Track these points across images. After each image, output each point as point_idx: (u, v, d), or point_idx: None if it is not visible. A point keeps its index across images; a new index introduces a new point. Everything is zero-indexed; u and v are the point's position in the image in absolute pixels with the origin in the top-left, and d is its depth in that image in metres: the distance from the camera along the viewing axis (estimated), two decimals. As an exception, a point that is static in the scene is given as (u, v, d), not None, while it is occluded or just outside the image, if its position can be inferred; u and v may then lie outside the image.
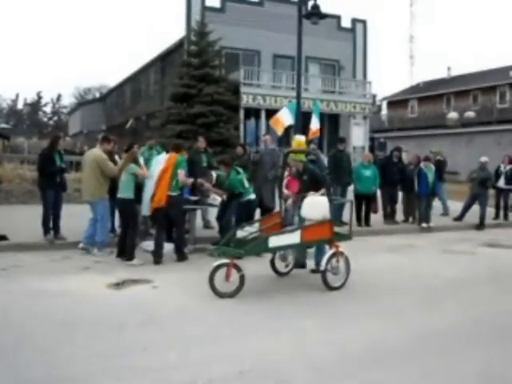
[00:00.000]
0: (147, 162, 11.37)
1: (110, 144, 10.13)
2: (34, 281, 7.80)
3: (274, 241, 7.31)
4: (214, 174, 10.44)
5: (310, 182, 8.85)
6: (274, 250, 7.90)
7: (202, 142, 12.40)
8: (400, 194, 15.04)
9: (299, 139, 9.95)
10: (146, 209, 9.57)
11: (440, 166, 16.06)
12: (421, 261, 10.39)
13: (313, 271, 8.60)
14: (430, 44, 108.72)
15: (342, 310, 6.89)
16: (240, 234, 7.82)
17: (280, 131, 14.51)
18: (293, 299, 7.27)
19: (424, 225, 14.12)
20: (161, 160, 9.63)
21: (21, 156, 25.68)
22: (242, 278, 7.23)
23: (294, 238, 7.46)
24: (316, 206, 8.04)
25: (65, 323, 6.02)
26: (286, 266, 8.58)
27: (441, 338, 5.94)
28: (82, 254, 9.72)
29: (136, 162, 9.44)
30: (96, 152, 9.93)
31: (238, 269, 7.22)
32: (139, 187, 9.50)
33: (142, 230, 10.64)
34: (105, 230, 9.91)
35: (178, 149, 9.93)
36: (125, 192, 9.25)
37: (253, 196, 10.22)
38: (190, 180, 9.97)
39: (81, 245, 9.92)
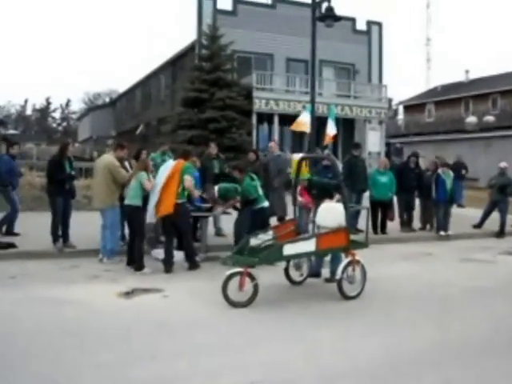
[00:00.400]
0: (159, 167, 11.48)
1: (123, 151, 10.16)
2: (43, 289, 7.86)
3: (289, 249, 7.32)
4: (215, 187, 10.45)
5: (321, 193, 8.89)
6: (288, 259, 7.90)
7: (213, 148, 12.45)
8: (417, 201, 14.98)
9: (298, 158, 9.99)
10: (150, 216, 9.59)
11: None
12: (438, 270, 10.33)
13: (327, 280, 8.59)
14: (446, 46, 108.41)
15: (357, 320, 6.87)
16: (253, 241, 7.83)
17: (308, 129, 14.58)
18: (307, 309, 7.27)
19: (442, 233, 14.05)
20: (168, 166, 9.66)
21: (29, 162, 25.87)
22: (255, 287, 7.23)
23: (309, 245, 7.47)
24: (331, 213, 8.04)
25: (73, 332, 6.06)
26: (301, 274, 8.57)
27: (459, 348, 5.90)
28: (91, 262, 9.76)
29: (146, 170, 9.49)
30: (108, 158, 9.97)
31: (252, 277, 7.23)
32: (146, 194, 9.55)
33: (152, 238, 10.68)
34: (114, 238, 9.96)
35: (186, 156, 9.97)
36: (133, 199, 9.30)
37: (266, 203, 10.22)
38: (197, 192, 9.98)
39: (104, 259, 9.86)
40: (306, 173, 9.52)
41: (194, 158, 10.94)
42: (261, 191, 10.17)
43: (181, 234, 9.78)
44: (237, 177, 10.28)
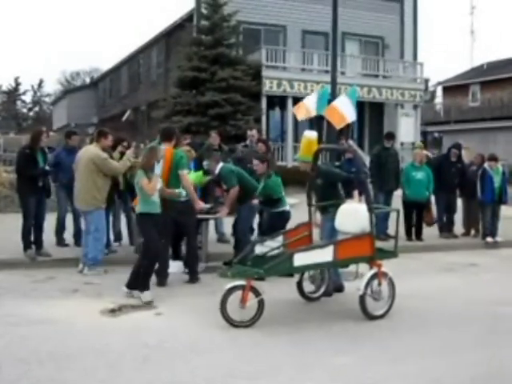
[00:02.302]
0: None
1: (107, 139, 10.17)
2: (11, 306, 7.91)
3: (301, 258, 7.31)
4: (219, 164, 10.29)
5: (328, 186, 8.78)
6: (300, 270, 7.92)
7: (215, 138, 12.49)
8: (459, 202, 14.98)
9: (310, 136, 9.45)
10: None
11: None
12: (485, 284, 10.32)
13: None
14: (495, 16, 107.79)
15: (385, 344, 6.89)
16: (259, 249, 7.86)
17: (300, 117, 14.50)
18: (325, 330, 7.30)
19: (489, 239, 14.05)
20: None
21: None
22: (260, 304, 7.26)
23: (325, 255, 7.46)
24: (353, 215, 8.05)
25: (48, 359, 6.06)
26: (317, 288, 8.60)
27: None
28: (70, 273, 9.84)
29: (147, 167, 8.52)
30: (92, 150, 9.99)
31: (256, 292, 7.26)
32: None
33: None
34: (99, 245, 9.99)
35: (167, 137, 9.47)
36: (139, 204, 8.68)
37: (288, 206, 10.26)
38: (201, 204, 9.75)
39: (85, 270, 9.89)
40: (308, 155, 8.98)
41: (186, 145, 10.85)
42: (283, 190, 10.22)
43: (177, 241, 9.84)
44: (259, 171, 10.25)
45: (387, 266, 8.02)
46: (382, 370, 6.00)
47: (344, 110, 13.86)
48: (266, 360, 6.20)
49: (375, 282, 7.81)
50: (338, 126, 13.39)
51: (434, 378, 5.85)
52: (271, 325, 7.29)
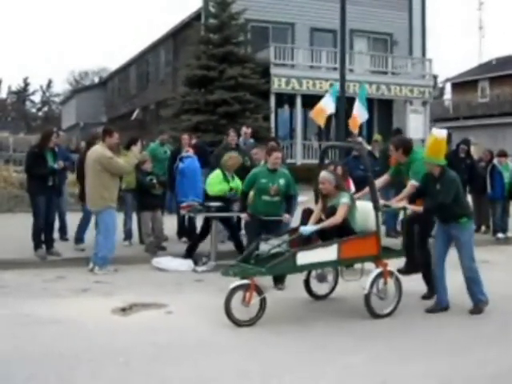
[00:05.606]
0: (160, 160, 11.51)
1: (113, 136, 10.10)
2: (22, 305, 7.93)
3: (304, 257, 7.28)
4: None
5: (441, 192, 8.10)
6: (303, 269, 7.85)
7: (233, 137, 12.47)
8: (469, 198, 14.92)
9: (438, 135, 8.17)
10: None
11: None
12: (497, 281, 10.18)
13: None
14: (504, 11, 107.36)
15: (393, 342, 6.88)
16: (263, 247, 7.82)
17: (322, 122, 14.59)
18: (333, 329, 7.30)
19: (500, 235, 14.01)
20: None
21: (5, 154, 26.22)
22: (262, 302, 7.25)
23: (329, 253, 7.43)
24: (362, 213, 8.00)
25: (58, 358, 6.09)
26: (331, 288, 8.58)
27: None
28: (80, 272, 9.87)
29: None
30: (98, 150, 9.95)
31: (259, 291, 7.25)
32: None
33: (152, 243, 10.81)
34: (109, 244, 10.02)
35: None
36: None
37: None
38: None
39: (96, 269, 9.92)
40: (441, 157, 8.34)
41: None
42: None
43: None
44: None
45: (396, 263, 7.99)
46: (391, 369, 6.00)
47: (325, 107, 14.12)
48: (274, 359, 6.21)
49: (381, 281, 7.78)
50: (322, 123, 13.83)
51: (444, 376, 5.84)
52: (279, 324, 7.30)
